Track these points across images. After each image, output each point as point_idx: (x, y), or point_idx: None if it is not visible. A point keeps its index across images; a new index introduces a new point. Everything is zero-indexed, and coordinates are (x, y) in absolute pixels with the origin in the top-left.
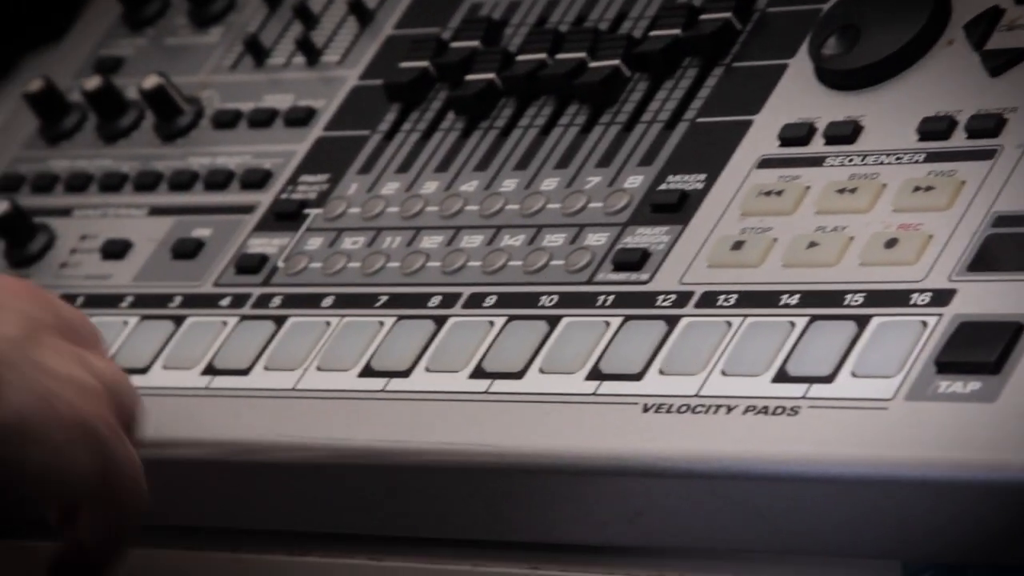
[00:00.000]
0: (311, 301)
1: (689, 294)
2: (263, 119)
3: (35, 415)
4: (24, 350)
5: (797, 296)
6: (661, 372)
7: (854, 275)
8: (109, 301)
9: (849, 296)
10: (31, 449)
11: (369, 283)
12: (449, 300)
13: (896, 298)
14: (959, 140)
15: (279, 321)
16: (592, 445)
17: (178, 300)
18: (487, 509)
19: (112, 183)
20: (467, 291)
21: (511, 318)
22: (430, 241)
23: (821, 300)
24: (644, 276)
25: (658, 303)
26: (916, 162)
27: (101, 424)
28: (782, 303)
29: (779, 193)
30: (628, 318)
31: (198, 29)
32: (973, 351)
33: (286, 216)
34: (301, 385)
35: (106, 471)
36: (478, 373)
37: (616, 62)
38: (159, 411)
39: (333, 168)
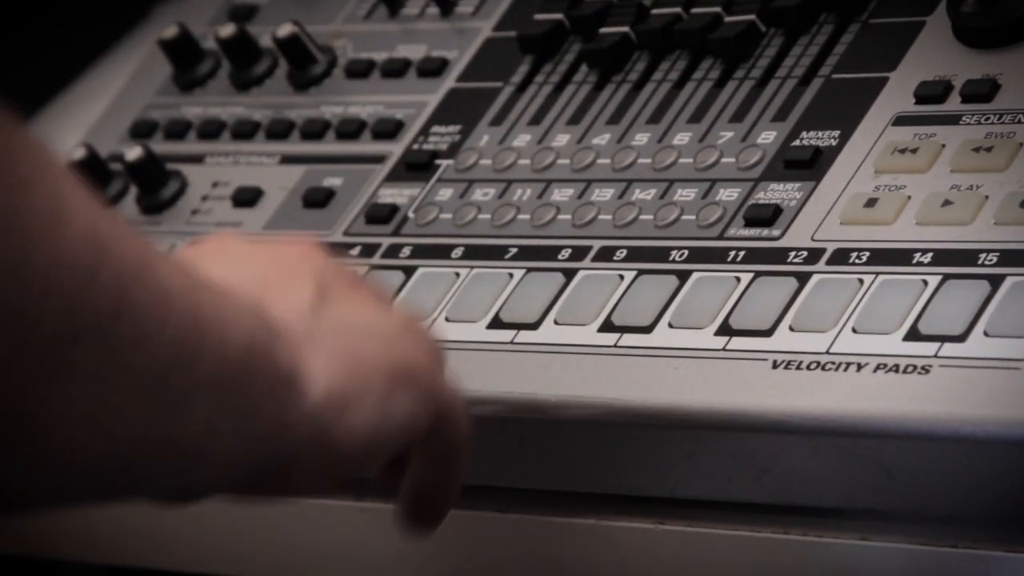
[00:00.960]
0: (441, 252)
1: (821, 251)
2: (396, 69)
3: (347, 384)
4: (319, 317)
5: (930, 255)
6: (791, 329)
7: (988, 234)
8: None
9: (983, 255)
10: (353, 418)
11: (499, 235)
12: (579, 253)
13: None
14: None
15: (408, 271)
16: (721, 401)
17: None
18: (613, 463)
19: (244, 131)
20: (597, 244)
21: (641, 272)
22: (561, 194)
23: (954, 259)
24: (776, 232)
25: (789, 259)
26: None
27: (417, 365)
28: (915, 261)
29: (914, 151)
30: (759, 274)
31: None
32: None
33: (417, 166)
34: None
35: (436, 411)
36: (607, 327)
37: (751, 17)
38: None
39: (465, 119)
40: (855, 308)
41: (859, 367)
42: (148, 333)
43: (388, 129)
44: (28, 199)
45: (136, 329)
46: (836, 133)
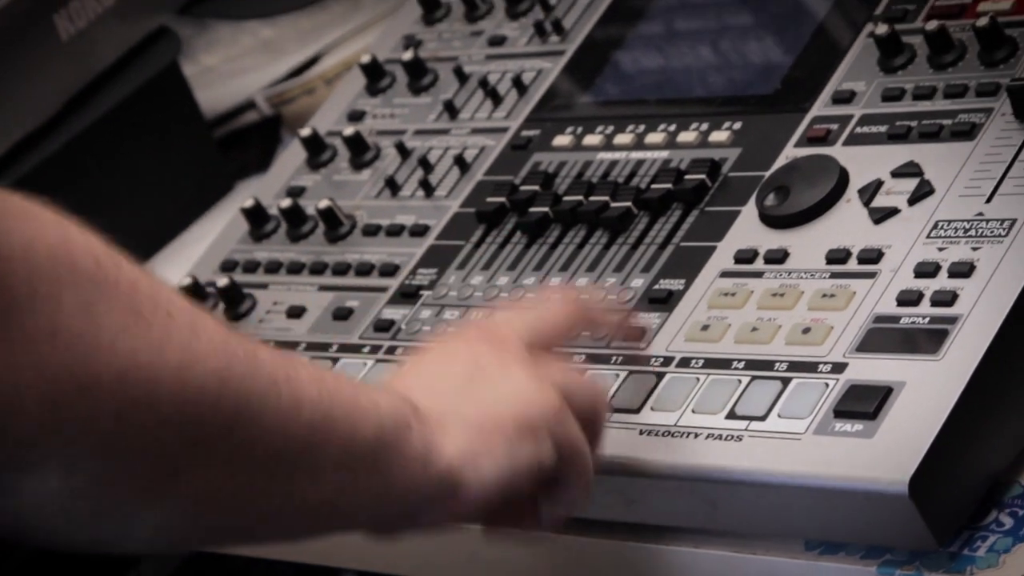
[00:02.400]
0: None
1: (672, 358)
2: (395, 231)
3: (475, 444)
4: (461, 398)
5: (743, 363)
6: (652, 408)
7: (781, 350)
8: (289, 346)
9: (777, 364)
10: (480, 472)
11: None
12: None
13: (808, 367)
14: (852, 265)
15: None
16: (603, 453)
17: (335, 347)
18: None
19: (295, 268)
20: None
21: None
22: None
23: (759, 366)
24: (643, 345)
25: (651, 363)
26: (824, 278)
27: (536, 417)
28: (733, 366)
29: (733, 294)
30: (631, 371)
31: (355, 171)
32: (858, 404)
33: (408, 295)
34: None
35: (560, 455)
36: None
37: (629, 204)
38: None
39: (440, 265)
40: (694, 396)
41: (695, 435)
42: (270, 432)
43: (389, 270)
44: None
45: (258, 429)
46: (683, 281)
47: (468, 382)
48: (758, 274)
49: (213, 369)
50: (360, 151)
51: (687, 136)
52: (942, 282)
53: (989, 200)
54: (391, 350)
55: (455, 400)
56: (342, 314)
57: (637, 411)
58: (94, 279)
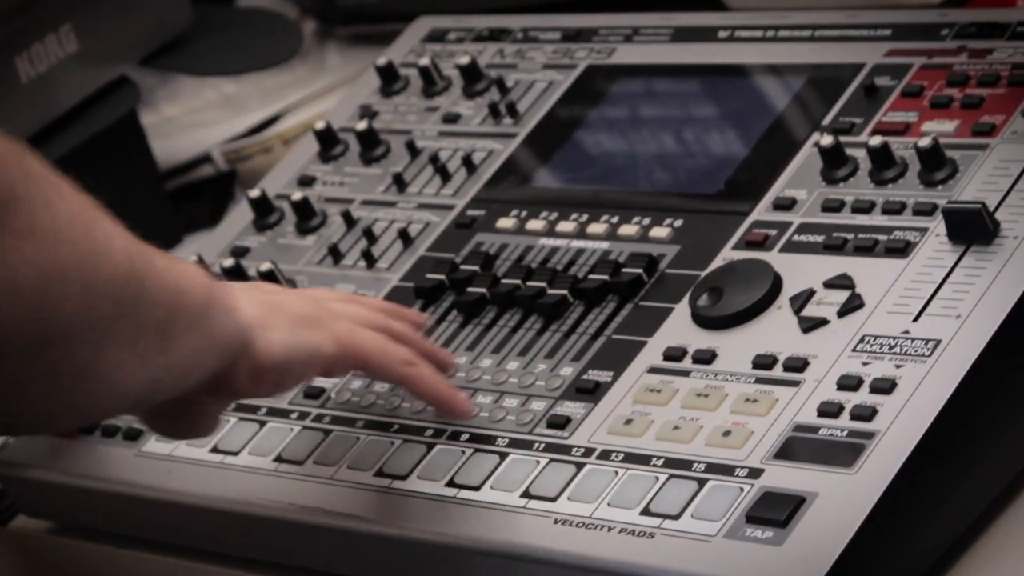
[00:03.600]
0: (348, 422)
1: (593, 450)
2: None
3: (265, 316)
4: (265, 298)
5: (662, 460)
6: (569, 498)
7: (701, 451)
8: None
9: (695, 464)
10: (270, 337)
11: (389, 415)
12: (438, 433)
13: (726, 470)
14: (778, 372)
15: (327, 433)
16: (516, 541)
17: (264, 410)
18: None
19: None
20: (450, 428)
21: (477, 450)
22: None
23: (677, 464)
24: (566, 434)
25: (572, 453)
26: (748, 382)
27: (322, 318)
28: (652, 463)
29: (659, 391)
30: (552, 460)
31: (300, 236)
32: (771, 511)
33: None
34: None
35: (338, 348)
36: (450, 483)
37: (565, 292)
38: (239, 480)
39: None
40: (611, 490)
41: (609, 528)
42: (157, 300)
43: None
44: (96, 235)
45: (151, 297)
46: (611, 373)
47: (274, 296)
48: (685, 373)
49: (124, 250)
50: (307, 216)
51: (628, 229)
52: (863, 396)
53: (916, 319)
54: (319, 418)
55: (250, 292)
56: None
57: (554, 500)
58: (48, 181)
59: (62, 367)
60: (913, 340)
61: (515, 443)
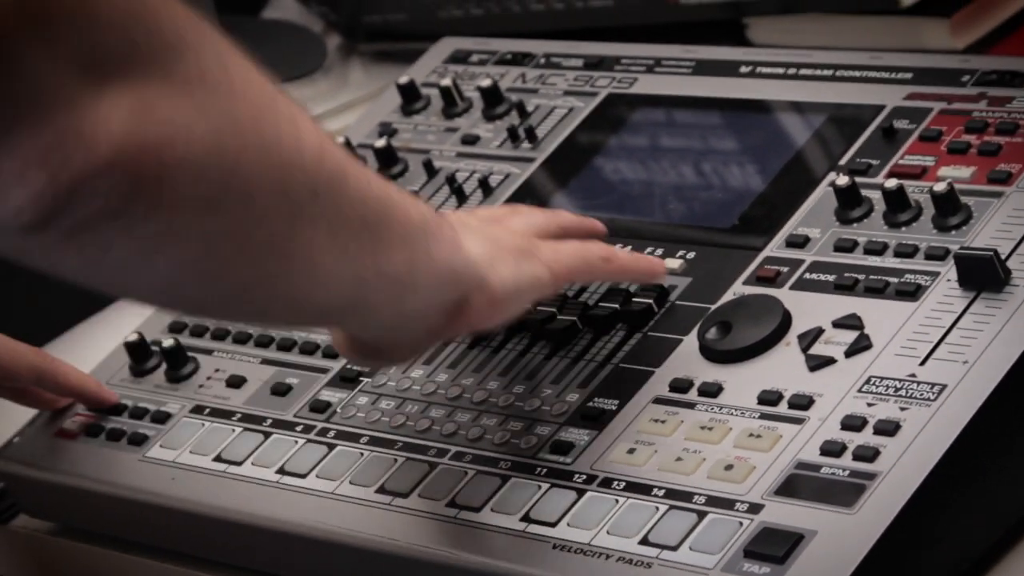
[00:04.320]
0: (353, 437)
1: (595, 476)
2: None
3: (492, 251)
4: (479, 224)
5: (663, 491)
6: (568, 524)
7: (702, 483)
8: (225, 414)
9: (696, 496)
10: (500, 272)
11: (393, 433)
12: (441, 453)
13: (726, 503)
14: (783, 408)
15: (331, 447)
16: (511, 563)
17: (269, 421)
18: None
19: (241, 339)
20: (454, 448)
21: (479, 472)
22: (436, 412)
23: (678, 496)
24: (568, 460)
25: (574, 479)
26: (753, 417)
27: (534, 250)
28: (652, 493)
29: (663, 422)
30: (553, 485)
31: None
32: (769, 547)
33: (347, 380)
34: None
35: (553, 274)
36: (451, 504)
37: (574, 318)
38: (240, 492)
39: None
40: (611, 518)
41: (607, 557)
42: (362, 197)
43: (333, 353)
44: (278, 105)
45: (353, 193)
46: (616, 402)
47: (484, 223)
48: (690, 405)
49: (315, 132)
50: None
51: None
52: (866, 437)
53: (923, 363)
54: (323, 432)
55: (469, 230)
56: (281, 390)
57: (554, 525)
58: (215, 35)
59: (253, 232)
60: (919, 384)
61: (517, 466)
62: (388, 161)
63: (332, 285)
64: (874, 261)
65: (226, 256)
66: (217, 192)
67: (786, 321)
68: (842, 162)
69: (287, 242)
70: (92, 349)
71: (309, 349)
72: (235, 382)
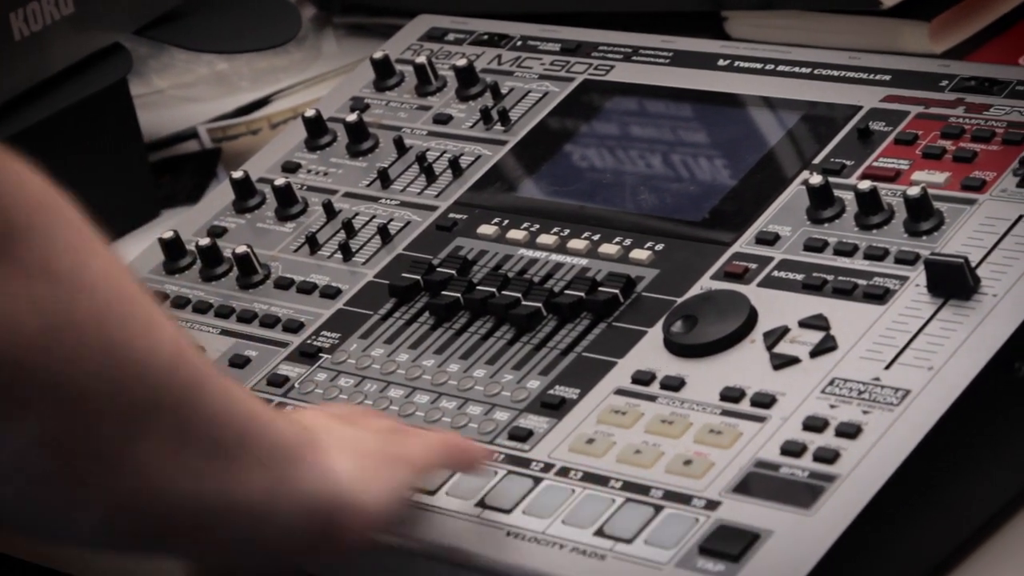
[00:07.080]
0: None
1: (552, 465)
2: (307, 288)
3: (363, 468)
4: (343, 430)
5: (620, 483)
6: (523, 512)
7: (660, 477)
8: None
9: (653, 490)
10: (376, 488)
11: None
12: None
13: (683, 499)
14: (745, 406)
15: None
16: (468, 550)
17: None
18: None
19: (202, 308)
20: None
21: None
22: (394, 393)
23: (635, 489)
24: (526, 447)
25: (531, 467)
26: (714, 413)
27: (406, 454)
28: (609, 485)
29: (624, 413)
30: (510, 472)
31: (280, 222)
32: (725, 545)
33: (307, 355)
34: None
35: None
36: None
37: (539, 304)
38: None
39: (343, 330)
40: (567, 508)
41: (561, 546)
42: (218, 415)
43: (293, 327)
44: (134, 307)
45: (208, 409)
46: (577, 391)
47: (343, 423)
48: (652, 398)
49: (172, 339)
50: (288, 203)
51: (609, 248)
52: (827, 439)
53: (888, 367)
54: (280, 406)
55: (339, 441)
56: (239, 362)
57: (509, 512)
58: (78, 223)
59: (83, 437)
60: (883, 388)
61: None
62: (359, 137)
63: (173, 504)
64: (844, 262)
65: (54, 457)
66: (42, 392)
67: (752, 318)
68: (816, 161)
69: (118, 454)
70: None
71: (270, 322)
72: None
